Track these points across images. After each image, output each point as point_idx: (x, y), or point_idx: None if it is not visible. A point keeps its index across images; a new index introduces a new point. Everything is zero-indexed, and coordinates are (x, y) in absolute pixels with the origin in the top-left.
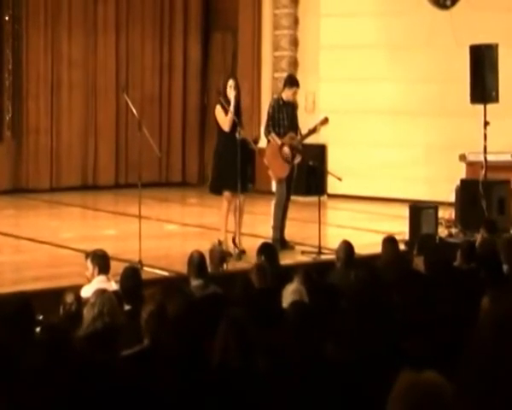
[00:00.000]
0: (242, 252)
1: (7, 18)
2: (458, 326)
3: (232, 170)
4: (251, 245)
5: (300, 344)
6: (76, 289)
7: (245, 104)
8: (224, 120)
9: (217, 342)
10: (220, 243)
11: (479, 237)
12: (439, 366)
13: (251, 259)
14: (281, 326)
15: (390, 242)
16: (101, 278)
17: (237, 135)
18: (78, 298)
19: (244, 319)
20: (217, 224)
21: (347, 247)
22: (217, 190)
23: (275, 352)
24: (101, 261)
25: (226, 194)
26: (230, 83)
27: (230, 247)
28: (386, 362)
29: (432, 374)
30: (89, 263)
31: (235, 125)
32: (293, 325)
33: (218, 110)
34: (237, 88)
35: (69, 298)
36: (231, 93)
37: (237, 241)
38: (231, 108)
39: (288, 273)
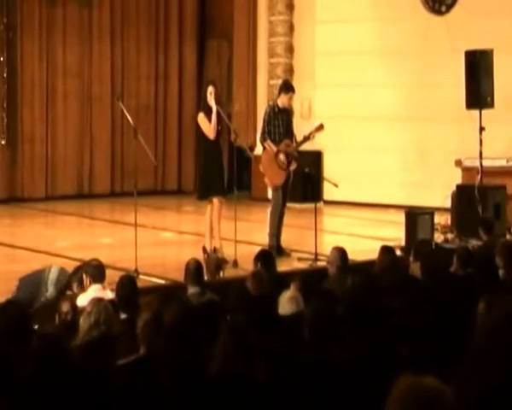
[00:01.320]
0: (225, 261)
1: (1, 26)
2: (455, 332)
3: (218, 175)
4: (247, 253)
5: (301, 351)
6: (72, 298)
7: (240, 111)
8: (209, 127)
9: (217, 349)
10: (215, 250)
11: (474, 241)
12: (436, 371)
13: (245, 266)
14: (278, 333)
15: (387, 251)
16: (97, 286)
17: (221, 141)
18: (73, 307)
19: (245, 325)
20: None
21: (341, 253)
22: (205, 196)
23: (274, 358)
24: (94, 271)
25: (216, 200)
26: (210, 89)
27: (226, 254)
28: (383, 367)
29: (431, 379)
30: (84, 274)
31: (219, 132)
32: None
33: (202, 118)
34: (217, 95)
35: (65, 307)
36: (211, 100)
37: (219, 249)
38: (213, 115)
39: (284, 280)
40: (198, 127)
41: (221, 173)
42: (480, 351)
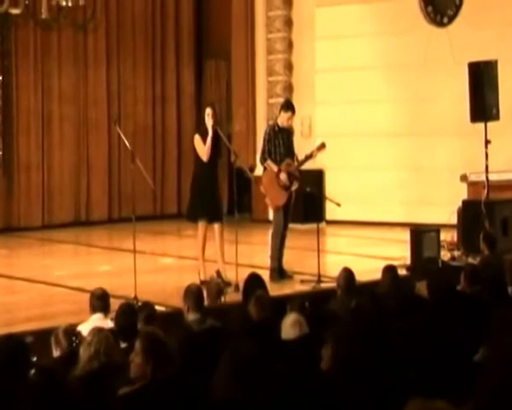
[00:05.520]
0: (228, 284)
1: None
2: (463, 352)
3: (208, 199)
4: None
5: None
6: (70, 327)
7: (240, 131)
8: (203, 149)
9: (218, 377)
10: (218, 273)
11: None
12: (444, 393)
13: None
14: (281, 358)
15: (389, 271)
16: (98, 315)
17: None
18: (72, 336)
19: (247, 352)
20: (214, 256)
21: (348, 274)
22: (192, 217)
23: (278, 384)
24: (95, 301)
25: (201, 223)
26: (208, 111)
27: (229, 278)
28: (391, 390)
29: (441, 402)
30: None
31: (215, 154)
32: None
33: (197, 140)
34: (215, 116)
35: (63, 336)
36: (208, 122)
37: (222, 273)
38: (208, 138)
39: (282, 304)
40: (194, 149)
41: (211, 197)
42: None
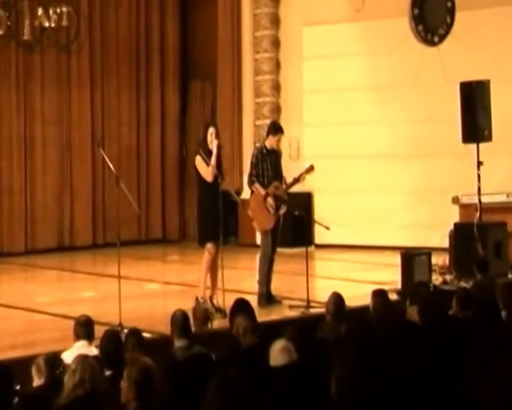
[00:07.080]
0: (218, 310)
1: None
2: (455, 377)
3: (216, 220)
4: None
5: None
6: (51, 355)
7: (226, 154)
8: (207, 170)
9: (206, 404)
10: (199, 300)
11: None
12: None
13: None
14: (270, 386)
15: (379, 295)
16: (82, 343)
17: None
18: (54, 363)
19: (235, 380)
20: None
21: (337, 299)
22: (205, 242)
23: None
24: (79, 328)
25: (209, 246)
26: (211, 131)
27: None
28: None
29: None
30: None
31: (217, 174)
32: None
33: (199, 161)
34: (218, 136)
35: (44, 365)
36: (213, 142)
37: (214, 299)
38: (213, 157)
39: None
40: (196, 171)
41: (218, 219)
42: None
